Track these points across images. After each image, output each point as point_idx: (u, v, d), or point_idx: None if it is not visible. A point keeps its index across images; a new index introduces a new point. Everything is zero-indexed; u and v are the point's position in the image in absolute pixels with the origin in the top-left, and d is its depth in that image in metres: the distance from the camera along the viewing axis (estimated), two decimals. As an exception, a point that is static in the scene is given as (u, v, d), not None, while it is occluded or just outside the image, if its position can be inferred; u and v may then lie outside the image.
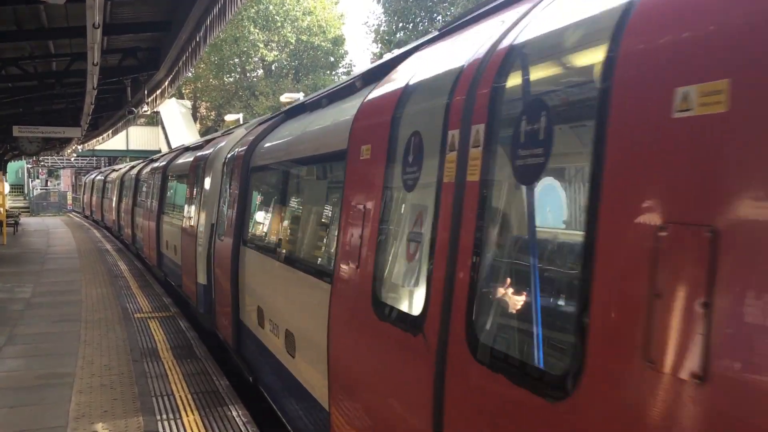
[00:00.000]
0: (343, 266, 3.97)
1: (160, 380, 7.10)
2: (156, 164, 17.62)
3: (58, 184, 62.70)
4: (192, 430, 5.73)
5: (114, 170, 32.26)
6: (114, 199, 26.53)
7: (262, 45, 50.51)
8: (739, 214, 1.59)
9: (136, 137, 48.07)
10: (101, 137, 28.90)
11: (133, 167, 24.37)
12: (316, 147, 5.50)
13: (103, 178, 34.06)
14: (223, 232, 8.30)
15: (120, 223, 24.29)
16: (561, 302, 2.69)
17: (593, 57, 2.15)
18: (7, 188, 30.24)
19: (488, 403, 2.43)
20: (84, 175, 70.35)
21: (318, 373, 4.45)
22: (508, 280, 2.78)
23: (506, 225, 2.91)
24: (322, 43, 51.88)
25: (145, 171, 19.45)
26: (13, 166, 45.82)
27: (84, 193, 46.29)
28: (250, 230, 7.52)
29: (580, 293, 2.04)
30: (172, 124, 45.99)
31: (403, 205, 3.60)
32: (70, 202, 54.86)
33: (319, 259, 5.21)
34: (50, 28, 11.03)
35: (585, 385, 1.94)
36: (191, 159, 12.01)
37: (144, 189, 18.35)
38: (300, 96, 12.34)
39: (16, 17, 10.32)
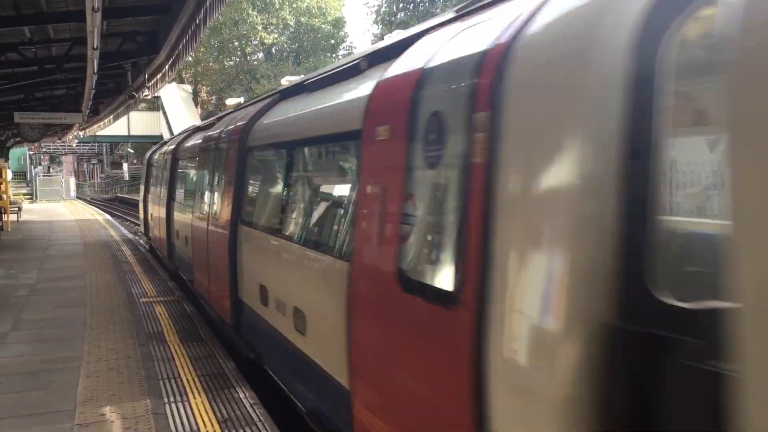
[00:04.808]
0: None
1: (167, 363, 7.15)
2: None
3: (60, 171, 62.71)
4: (199, 412, 5.77)
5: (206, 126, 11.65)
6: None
7: (260, 28, 50.20)
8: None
9: (137, 123, 48.01)
10: (102, 123, 28.83)
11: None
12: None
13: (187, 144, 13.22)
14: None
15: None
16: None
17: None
18: (9, 175, 30.14)
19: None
20: (89, 160, 66.83)
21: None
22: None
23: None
24: (322, 25, 51.55)
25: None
26: (15, 152, 45.73)
27: (150, 191, 17.48)
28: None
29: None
30: (173, 108, 45.92)
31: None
32: (73, 188, 54.69)
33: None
34: (49, 12, 10.96)
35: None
36: None
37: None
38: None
39: (15, 1, 10.25)
